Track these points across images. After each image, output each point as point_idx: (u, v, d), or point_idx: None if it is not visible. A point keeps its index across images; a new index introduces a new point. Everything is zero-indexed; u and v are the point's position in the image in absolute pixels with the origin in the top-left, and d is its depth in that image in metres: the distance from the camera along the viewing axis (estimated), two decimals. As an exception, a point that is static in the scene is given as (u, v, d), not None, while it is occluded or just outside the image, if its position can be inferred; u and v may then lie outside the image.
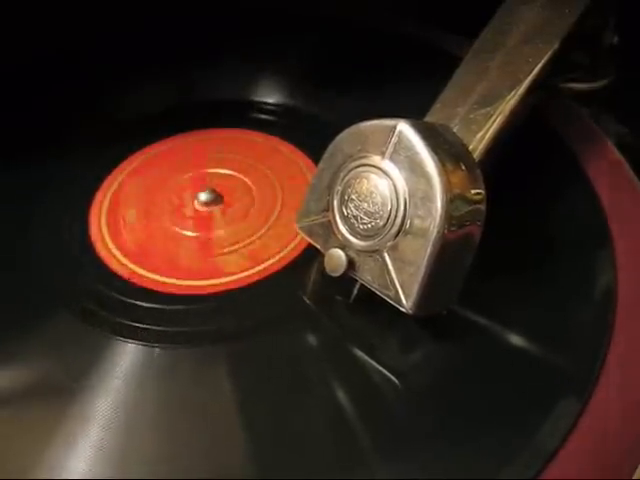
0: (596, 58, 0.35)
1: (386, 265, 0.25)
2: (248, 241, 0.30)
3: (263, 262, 0.29)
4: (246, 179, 0.33)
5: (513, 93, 0.28)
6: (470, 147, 0.26)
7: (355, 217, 0.25)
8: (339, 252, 0.26)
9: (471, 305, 0.27)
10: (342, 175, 0.26)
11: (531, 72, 0.29)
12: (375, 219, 0.25)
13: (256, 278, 0.29)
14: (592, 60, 0.35)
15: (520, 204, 0.31)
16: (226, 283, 0.29)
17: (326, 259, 0.26)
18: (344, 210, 0.26)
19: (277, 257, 0.30)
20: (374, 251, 0.25)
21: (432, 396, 0.25)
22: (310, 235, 0.28)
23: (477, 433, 0.23)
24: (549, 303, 0.27)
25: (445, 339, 0.26)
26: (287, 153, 0.35)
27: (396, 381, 0.25)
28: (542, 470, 0.22)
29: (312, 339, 0.27)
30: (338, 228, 0.26)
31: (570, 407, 0.24)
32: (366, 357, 0.26)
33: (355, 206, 0.25)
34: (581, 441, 0.23)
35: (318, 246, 0.27)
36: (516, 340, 0.27)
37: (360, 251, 0.25)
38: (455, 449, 0.23)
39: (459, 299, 0.26)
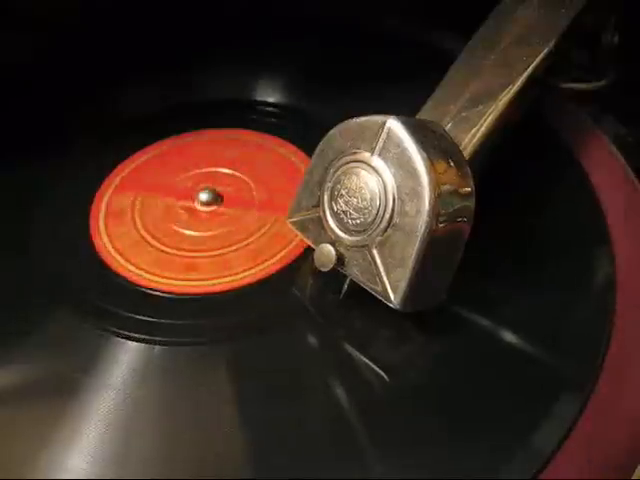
0: (596, 58, 0.35)
1: (374, 260, 0.25)
2: (248, 241, 0.30)
3: (263, 262, 0.29)
4: (246, 179, 0.33)
5: (506, 92, 0.28)
6: (461, 145, 0.26)
7: (344, 213, 0.25)
8: (329, 247, 0.26)
9: (470, 304, 0.27)
10: (332, 171, 0.26)
11: (525, 71, 0.29)
12: (364, 215, 0.25)
13: (256, 278, 0.29)
14: (592, 60, 0.35)
15: (519, 203, 0.31)
16: (226, 282, 0.29)
17: (316, 254, 0.26)
18: (334, 206, 0.26)
19: (277, 257, 0.30)
20: (363, 246, 0.25)
21: (429, 395, 0.25)
22: (301, 230, 0.28)
23: (475, 433, 0.23)
24: (548, 302, 0.27)
25: (442, 338, 0.26)
26: (287, 153, 0.35)
27: (394, 381, 0.25)
28: (541, 470, 0.22)
29: (309, 338, 0.27)
30: (328, 223, 0.26)
31: (569, 407, 0.24)
32: (361, 356, 0.26)
33: (345, 202, 0.25)
34: (580, 441, 0.23)
35: (309, 241, 0.27)
36: (514, 339, 0.26)
37: (349, 246, 0.25)
38: (452, 449, 0.23)
39: (459, 298, 0.26)
